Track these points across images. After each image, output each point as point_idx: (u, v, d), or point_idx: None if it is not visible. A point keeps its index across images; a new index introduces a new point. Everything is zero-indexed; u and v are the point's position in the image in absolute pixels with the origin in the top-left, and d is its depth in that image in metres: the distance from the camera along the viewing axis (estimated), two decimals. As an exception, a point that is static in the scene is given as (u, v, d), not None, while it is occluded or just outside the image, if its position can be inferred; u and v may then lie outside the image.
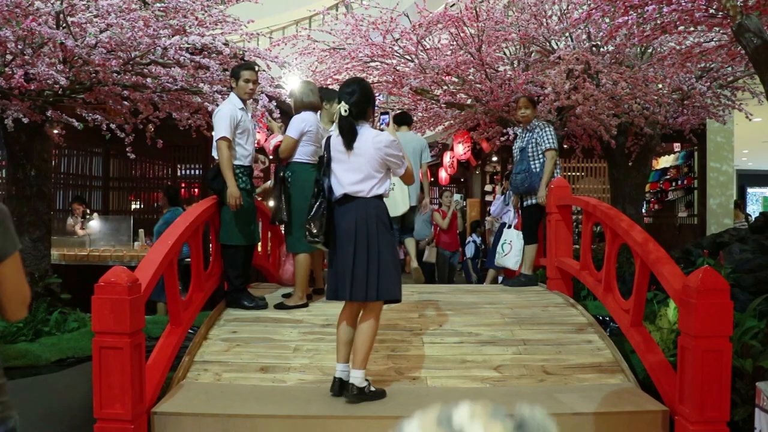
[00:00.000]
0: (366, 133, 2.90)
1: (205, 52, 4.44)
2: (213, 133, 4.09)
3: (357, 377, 2.90)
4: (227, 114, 3.97)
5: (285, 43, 6.63)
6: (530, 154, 4.99)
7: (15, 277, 1.52)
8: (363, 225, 2.88)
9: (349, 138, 2.90)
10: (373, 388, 2.98)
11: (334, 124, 3.11)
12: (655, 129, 6.20)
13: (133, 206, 9.96)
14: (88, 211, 7.62)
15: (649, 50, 5.78)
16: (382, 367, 3.36)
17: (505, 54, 6.48)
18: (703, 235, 8.07)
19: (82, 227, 7.25)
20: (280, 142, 4.33)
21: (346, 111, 2.89)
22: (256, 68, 4.27)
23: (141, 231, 7.13)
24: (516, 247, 5.45)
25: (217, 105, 4.24)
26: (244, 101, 4.13)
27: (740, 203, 10.11)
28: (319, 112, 4.55)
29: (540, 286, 5.01)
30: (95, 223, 7.17)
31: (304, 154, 4.25)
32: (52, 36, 3.62)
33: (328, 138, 3.04)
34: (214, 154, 4.09)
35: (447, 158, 11.83)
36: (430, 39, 6.43)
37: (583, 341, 3.67)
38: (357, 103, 2.90)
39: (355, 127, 2.91)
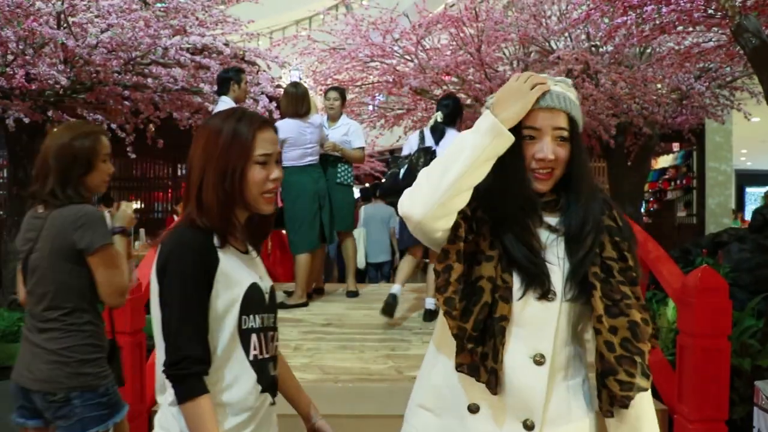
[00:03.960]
0: (450, 136, 3.77)
1: (206, 52, 4.46)
2: None
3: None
4: None
5: (285, 43, 6.65)
6: None
7: (104, 266, 1.78)
8: None
9: (437, 137, 3.82)
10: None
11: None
12: (654, 129, 6.21)
13: (134, 206, 9.97)
14: (109, 212, 7.62)
15: (648, 50, 5.79)
16: (383, 367, 3.37)
17: (504, 54, 6.49)
18: (702, 234, 8.08)
19: None
20: None
21: (441, 118, 3.86)
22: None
23: (141, 231, 7.14)
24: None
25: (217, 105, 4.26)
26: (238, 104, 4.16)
27: (738, 213, 10.12)
28: (320, 112, 4.57)
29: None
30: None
31: (288, 159, 4.28)
32: (53, 36, 3.63)
33: (422, 130, 3.93)
34: None
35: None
36: (429, 39, 6.44)
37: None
38: (450, 114, 3.88)
39: (445, 130, 3.82)
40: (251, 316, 1.22)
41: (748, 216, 13.24)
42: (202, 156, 1.21)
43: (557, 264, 1.16)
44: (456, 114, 3.95)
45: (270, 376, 1.28)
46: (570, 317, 1.16)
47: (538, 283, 1.14)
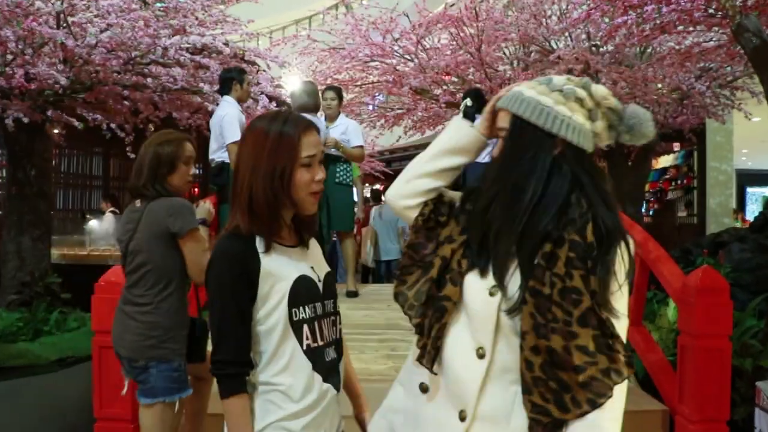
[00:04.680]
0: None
1: (206, 52, 4.45)
2: (213, 136, 4.09)
3: None
4: (236, 117, 3.98)
5: (285, 43, 6.65)
6: None
7: (192, 246, 2.12)
8: None
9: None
10: None
11: None
12: (654, 129, 6.20)
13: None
14: (117, 210, 7.62)
15: (649, 50, 5.78)
16: (383, 367, 3.36)
17: (504, 54, 6.48)
18: (703, 234, 8.07)
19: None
20: None
21: (468, 105, 4.28)
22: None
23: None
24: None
25: (217, 105, 4.25)
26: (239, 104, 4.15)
27: (739, 213, 10.11)
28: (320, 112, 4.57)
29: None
30: (95, 223, 7.16)
31: None
32: (53, 36, 3.62)
33: None
34: (213, 155, 4.10)
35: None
36: (429, 39, 6.44)
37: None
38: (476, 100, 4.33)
39: (475, 117, 3.95)
40: (301, 308, 1.27)
41: (749, 215, 13.24)
42: (251, 158, 1.25)
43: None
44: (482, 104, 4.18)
45: (327, 362, 1.31)
46: (514, 320, 1.11)
47: (481, 274, 1.14)
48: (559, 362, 1.05)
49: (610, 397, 1.05)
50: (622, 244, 1.11)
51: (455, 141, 1.24)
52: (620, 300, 1.10)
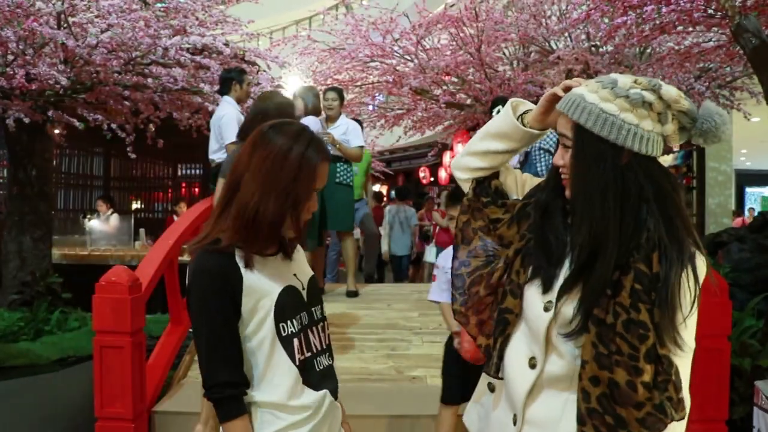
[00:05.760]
0: None
1: (206, 53, 4.46)
2: (213, 136, 4.09)
3: None
4: (234, 118, 3.98)
5: (285, 43, 6.66)
6: (534, 157, 5.02)
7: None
8: None
9: None
10: None
11: None
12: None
13: (134, 206, 9.97)
14: (111, 210, 7.63)
15: (648, 50, 5.79)
16: (382, 366, 3.37)
17: (504, 54, 6.49)
18: (702, 234, 8.07)
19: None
20: None
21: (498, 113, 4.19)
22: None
23: (141, 230, 7.14)
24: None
25: (218, 105, 4.25)
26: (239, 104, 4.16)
27: (738, 212, 10.10)
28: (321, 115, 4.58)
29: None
30: (95, 223, 7.17)
31: None
32: (54, 36, 3.63)
33: None
34: (213, 156, 4.10)
35: (447, 158, 11.84)
36: (429, 39, 6.44)
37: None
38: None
39: None
40: (288, 322, 1.22)
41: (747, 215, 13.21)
42: (264, 174, 1.16)
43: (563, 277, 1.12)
44: None
45: (319, 371, 1.28)
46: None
47: (542, 287, 1.13)
48: (619, 397, 1.00)
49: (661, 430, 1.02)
50: (688, 269, 1.03)
51: (498, 126, 1.26)
52: (684, 332, 1.03)
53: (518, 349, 1.16)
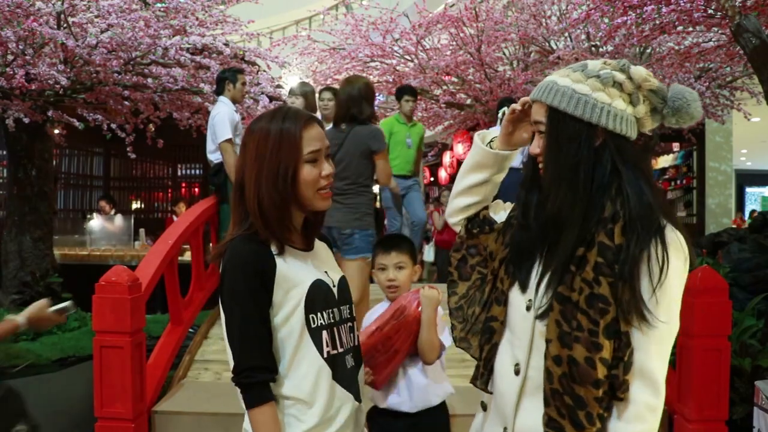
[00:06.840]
0: None
1: (206, 53, 4.45)
2: (209, 136, 4.09)
3: None
4: (227, 116, 3.98)
5: (285, 43, 6.66)
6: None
7: (383, 162, 3.20)
8: None
9: None
10: None
11: None
12: (653, 129, 6.21)
13: (134, 206, 9.96)
14: (114, 211, 7.62)
15: (648, 50, 5.79)
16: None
17: (504, 54, 6.49)
18: (702, 234, 8.07)
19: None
20: None
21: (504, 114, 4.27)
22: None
23: (141, 230, 7.13)
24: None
25: (218, 105, 4.26)
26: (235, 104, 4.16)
27: (738, 213, 10.10)
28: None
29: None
30: (95, 222, 7.16)
31: None
32: (53, 36, 3.63)
33: None
34: (211, 157, 4.11)
35: (447, 158, 11.84)
36: (429, 39, 6.45)
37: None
38: None
39: None
40: (318, 314, 1.21)
41: (746, 215, 13.23)
42: (255, 161, 1.19)
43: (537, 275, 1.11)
44: None
45: (347, 370, 1.26)
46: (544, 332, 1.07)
47: (521, 288, 1.12)
48: (578, 375, 0.99)
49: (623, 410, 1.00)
50: (656, 239, 1.00)
51: (472, 159, 1.28)
52: (655, 306, 0.99)
53: (504, 360, 1.15)
